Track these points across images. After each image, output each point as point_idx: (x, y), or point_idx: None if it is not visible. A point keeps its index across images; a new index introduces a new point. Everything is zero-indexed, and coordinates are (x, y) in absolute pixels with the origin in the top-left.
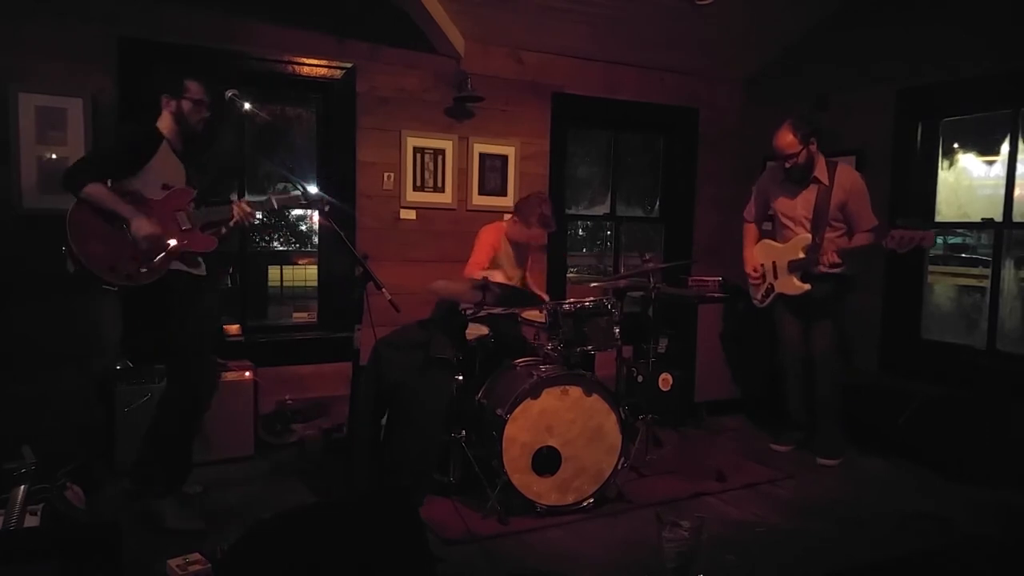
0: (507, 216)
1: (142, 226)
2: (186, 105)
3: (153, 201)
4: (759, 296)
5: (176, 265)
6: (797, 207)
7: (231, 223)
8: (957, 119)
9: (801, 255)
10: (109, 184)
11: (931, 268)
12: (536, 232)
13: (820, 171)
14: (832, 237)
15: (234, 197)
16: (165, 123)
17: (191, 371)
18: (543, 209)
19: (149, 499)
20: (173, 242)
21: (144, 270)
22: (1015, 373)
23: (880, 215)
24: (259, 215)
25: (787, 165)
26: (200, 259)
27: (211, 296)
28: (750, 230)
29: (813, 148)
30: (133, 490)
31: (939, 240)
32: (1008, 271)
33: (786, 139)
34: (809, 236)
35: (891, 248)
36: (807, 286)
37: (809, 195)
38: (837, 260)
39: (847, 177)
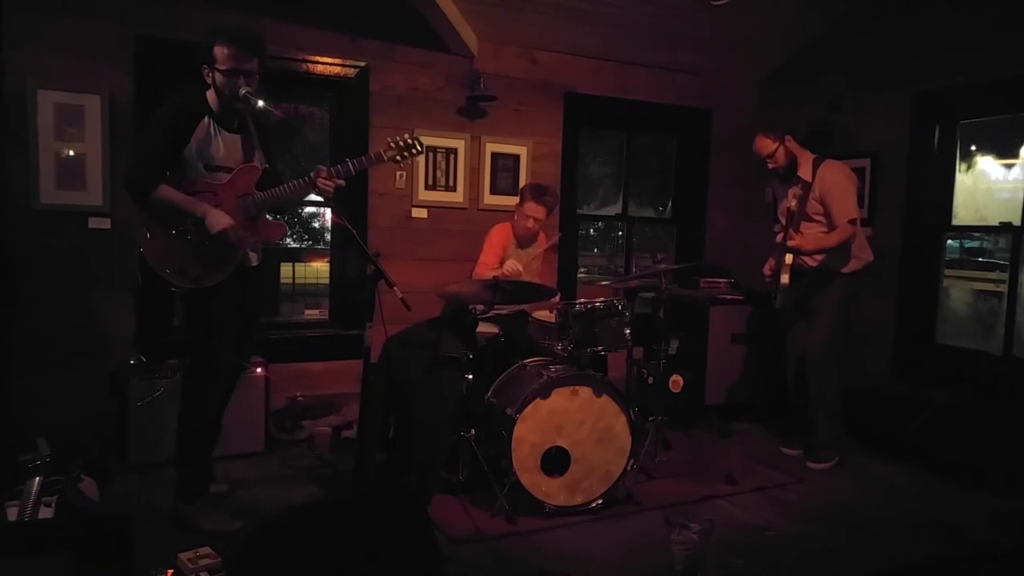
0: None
1: (217, 221)
2: (218, 77)
3: (218, 187)
4: (773, 297)
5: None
6: (786, 204)
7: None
8: (975, 121)
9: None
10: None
11: (947, 272)
12: (530, 207)
13: (804, 169)
14: (814, 231)
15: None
16: (211, 96)
17: (220, 372)
18: (534, 185)
19: (180, 505)
20: (241, 235)
21: (215, 273)
22: None
23: (895, 217)
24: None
25: (769, 167)
26: (255, 249)
27: (256, 290)
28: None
29: (791, 144)
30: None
31: (956, 243)
32: None
33: (761, 142)
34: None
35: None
36: (786, 282)
37: (795, 192)
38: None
39: (828, 171)
